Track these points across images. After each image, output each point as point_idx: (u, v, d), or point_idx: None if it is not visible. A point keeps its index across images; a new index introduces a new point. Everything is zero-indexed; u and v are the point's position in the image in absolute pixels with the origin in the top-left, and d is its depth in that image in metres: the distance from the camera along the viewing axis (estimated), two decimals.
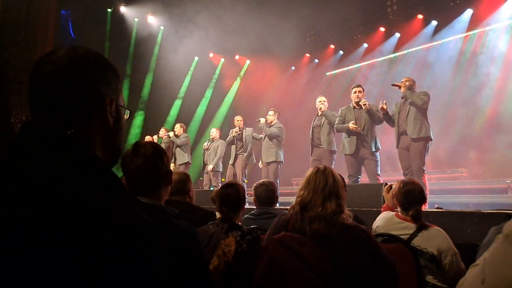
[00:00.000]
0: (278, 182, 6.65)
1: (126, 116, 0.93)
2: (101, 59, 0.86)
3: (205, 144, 8.22)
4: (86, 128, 0.81)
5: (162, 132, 8.77)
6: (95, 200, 0.66)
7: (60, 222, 0.61)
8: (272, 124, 6.90)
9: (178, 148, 8.23)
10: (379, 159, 5.60)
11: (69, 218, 0.62)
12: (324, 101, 6.31)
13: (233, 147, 7.68)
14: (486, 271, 0.85)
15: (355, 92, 5.72)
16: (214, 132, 8.15)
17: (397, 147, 5.44)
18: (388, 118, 5.48)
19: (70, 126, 0.78)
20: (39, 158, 0.70)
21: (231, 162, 7.75)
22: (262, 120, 6.96)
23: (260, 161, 7.09)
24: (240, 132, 7.59)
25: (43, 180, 0.66)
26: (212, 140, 8.05)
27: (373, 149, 5.53)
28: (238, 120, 7.72)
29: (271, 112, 7.00)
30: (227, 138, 7.78)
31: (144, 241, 0.67)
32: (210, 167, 7.76)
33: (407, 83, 5.35)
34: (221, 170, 7.96)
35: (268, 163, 6.79)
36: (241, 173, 7.46)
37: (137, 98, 11.33)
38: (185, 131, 8.54)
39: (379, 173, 5.55)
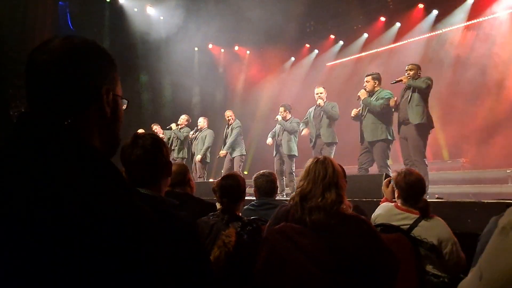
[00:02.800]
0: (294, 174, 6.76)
1: (124, 106, 0.92)
2: (97, 48, 0.85)
3: (191, 133, 8.10)
4: (83, 119, 0.80)
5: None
6: (93, 192, 0.65)
7: (57, 214, 0.61)
8: (287, 119, 6.91)
9: (179, 141, 8.21)
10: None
11: (66, 210, 0.61)
12: (321, 93, 6.30)
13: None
14: (482, 266, 0.84)
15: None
16: (201, 121, 8.01)
17: (398, 133, 5.44)
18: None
19: (66, 117, 0.77)
20: (35, 150, 0.69)
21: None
22: (279, 116, 6.96)
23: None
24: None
25: (40, 172, 0.65)
26: (200, 130, 7.95)
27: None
28: (228, 116, 7.76)
29: (281, 109, 7.01)
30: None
31: (144, 232, 0.66)
32: (198, 157, 7.70)
33: (411, 72, 5.28)
34: (208, 161, 7.93)
35: (290, 156, 6.82)
36: (239, 167, 7.49)
37: (136, 91, 11.27)
38: (188, 123, 8.44)
39: None
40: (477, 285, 0.84)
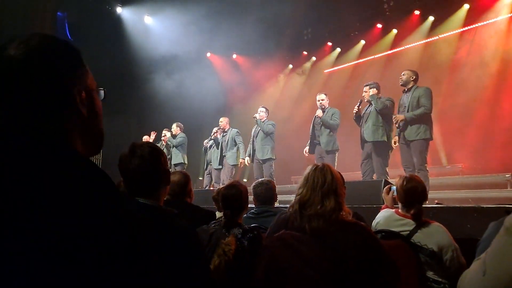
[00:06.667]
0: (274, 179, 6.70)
1: (101, 97, 0.86)
2: (60, 44, 0.79)
3: (206, 142, 8.17)
4: (60, 123, 0.75)
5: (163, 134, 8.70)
6: (76, 198, 0.62)
7: (43, 222, 0.58)
8: (263, 121, 6.95)
9: (174, 148, 8.23)
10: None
11: (51, 219, 0.59)
12: (322, 100, 6.31)
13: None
14: (487, 263, 0.86)
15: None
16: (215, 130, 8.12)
17: (398, 142, 5.48)
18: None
19: (43, 123, 0.73)
20: (11, 158, 0.64)
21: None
22: (257, 115, 7.01)
23: (247, 158, 7.12)
24: (225, 133, 7.71)
25: (23, 181, 0.61)
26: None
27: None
28: (221, 121, 7.81)
29: (262, 109, 7.06)
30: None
31: (138, 241, 0.65)
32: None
33: (403, 77, 5.44)
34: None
35: (264, 161, 6.79)
36: (231, 173, 7.47)
37: (134, 99, 11.27)
38: (182, 130, 8.51)
39: None
40: (481, 279, 0.87)
